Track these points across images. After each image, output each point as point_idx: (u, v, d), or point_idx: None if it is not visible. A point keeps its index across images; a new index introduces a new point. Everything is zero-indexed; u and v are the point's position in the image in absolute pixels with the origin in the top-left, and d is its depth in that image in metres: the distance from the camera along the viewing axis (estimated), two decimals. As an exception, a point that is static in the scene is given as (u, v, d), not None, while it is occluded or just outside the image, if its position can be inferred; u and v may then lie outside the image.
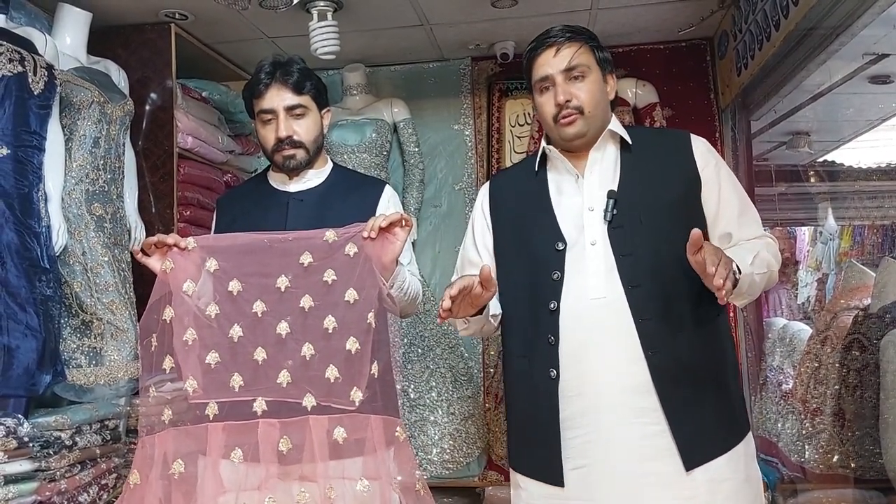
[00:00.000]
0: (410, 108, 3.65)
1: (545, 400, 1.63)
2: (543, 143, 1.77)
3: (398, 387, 3.37)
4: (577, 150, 1.72)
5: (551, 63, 1.68)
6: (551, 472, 1.62)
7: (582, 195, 1.69)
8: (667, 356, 1.57)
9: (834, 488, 2.84)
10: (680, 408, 1.57)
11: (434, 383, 3.48)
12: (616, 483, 1.57)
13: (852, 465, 2.73)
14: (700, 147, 1.72)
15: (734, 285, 1.49)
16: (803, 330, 3.37)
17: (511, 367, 1.76)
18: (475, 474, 3.46)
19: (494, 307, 1.72)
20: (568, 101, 1.66)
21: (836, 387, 2.77)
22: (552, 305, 1.63)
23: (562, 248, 1.66)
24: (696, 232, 1.42)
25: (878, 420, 2.53)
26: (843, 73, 3.30)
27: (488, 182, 1.92)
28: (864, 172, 4.47)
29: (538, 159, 1.77)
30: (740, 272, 1.51)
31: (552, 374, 1.62)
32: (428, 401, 3.47)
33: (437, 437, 3.42)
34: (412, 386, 3.48)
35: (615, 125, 1.73)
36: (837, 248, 4.63)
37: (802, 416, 2.90)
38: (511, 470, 1.78)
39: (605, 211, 1.63)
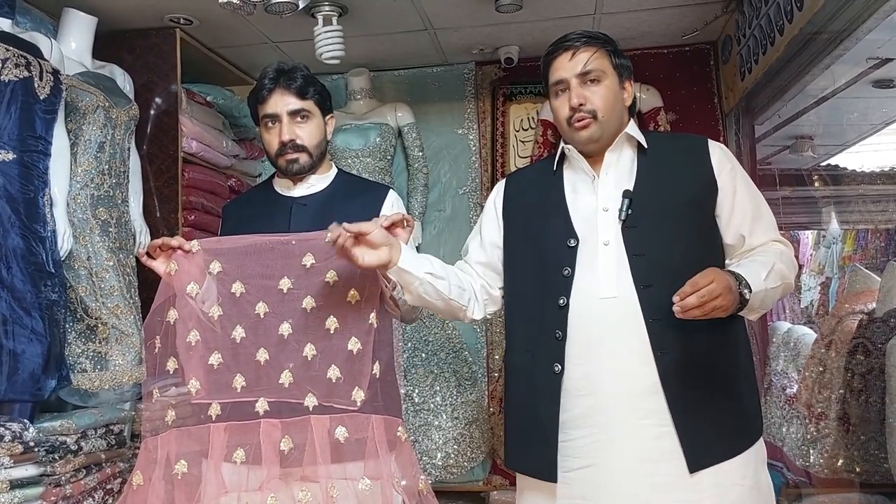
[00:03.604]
0: (414, 112, 3.66)
1: (546, 394, 1.63)
2: (563, 143, 1.78)
3: (402, 391, 3.37)
4: (592, 153, 1.73)
5: (566, 67, 1.69)
6: (546, 469, 1.62)
7: (596, 195, 1.70)
8: (676, 357, 1.57)
9: (839, 492, 2.83)
10: (687, 409, 1.57)
11: (438, 387, 3.48)
12: (621, 484, 1.57)
13: (857, 469, 2.72)
14: (717, 152, 1.72)
15: (742, 305, 1.52)
16: (808, 334, 3.36)
17: (512, 362, 1.77)
18: (480, 479, 3.46)
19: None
20: (581, 104, 1.67)
21: (841, 391, 2.76)
22: (561, 301, 1.63)
23: (573, 244, 1.66)
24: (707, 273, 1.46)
25: (883, 424, 2.52)
26: (847, 77, 3.30)
27: (504, 179, 1.93)
28: (868, 176, 4.46)
29: (557, 159, 1.78)
30: (751, 290, 1.52)
31: (556, 368, 1.62)
32: (432, 405, 3.46)
33: (441, 442, 3.42)
34: (416, 390, 3.48)
35: (632, 129, 1.73)
36: (840, 252, 4.62)
37: (807, 421, 2.89)
38: (516, 473, 1.78)
39: (620, 210, 1.64)
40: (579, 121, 1.67)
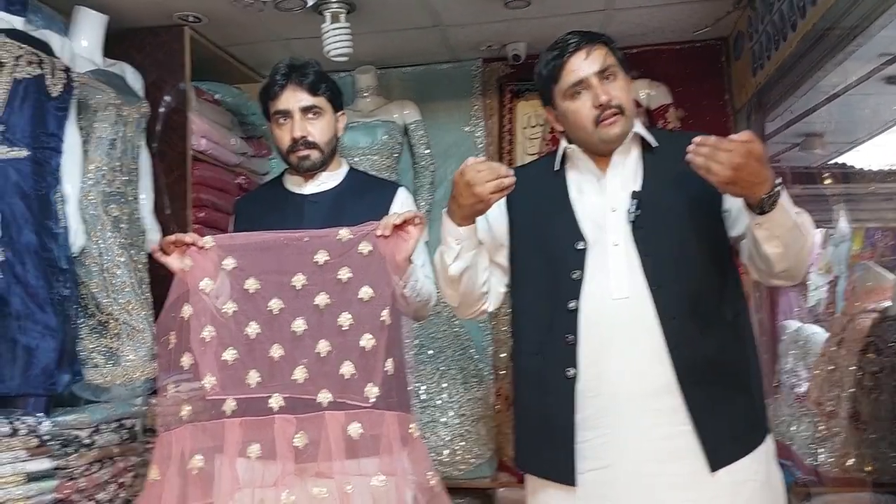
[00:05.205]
0: (421, 109, 3.65)
1: (560, 399, 1.62)
2: (564, 143, 1.76)
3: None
4: (605, 152, 1.70)
5: (584, 66, 1.65)
6: (563, 472, 1.61)
7: (604, 195, 1.68)
8: (692, 355, 1.57)
9: (849, 491, 2.82)
10: (705, 408, 1.56)
11: (445, 384, 3.48)
12: (636, 484, 1.57)
13: (868, 468, 2.71)
14: None
15: (761, 209, 1.45)
16: (817, 333, 3.35)
17: (523, 366, 1.75)
18: (486, 475, 3.46)
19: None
20: (609, 100, 1.63)
21: (852, 389, 2.75)
22: (571, 305, 1.62)
23: (582, 247, 1.65)
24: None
25: (894, 422, 2.52)
26: (859, 73, 3.27)
27: None
28: (879, 174, 4.43)
29: (558, 158, 1.77)
30: (779, 195, 1.45)
31: (569, 372, 1.61)
32: (439, 402, 3.47)
33: (447, 439, 3.42)
34: (423, 387, 3.48)
35: (638, 127, 1.72)
36: (849, 250, 4.59)
37: (817, 419, 2.88)
38: (527, 474, 1.77)
39: (629, 211, 1.63)
40: (609, 118, 1.64)
